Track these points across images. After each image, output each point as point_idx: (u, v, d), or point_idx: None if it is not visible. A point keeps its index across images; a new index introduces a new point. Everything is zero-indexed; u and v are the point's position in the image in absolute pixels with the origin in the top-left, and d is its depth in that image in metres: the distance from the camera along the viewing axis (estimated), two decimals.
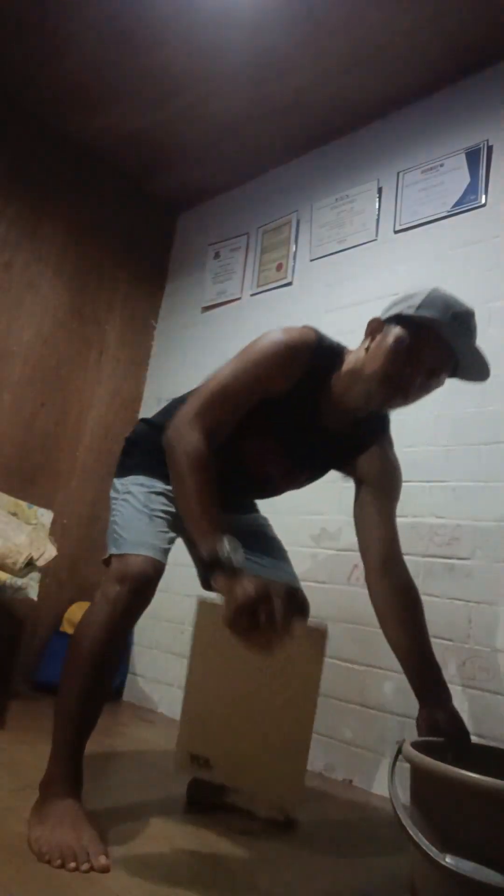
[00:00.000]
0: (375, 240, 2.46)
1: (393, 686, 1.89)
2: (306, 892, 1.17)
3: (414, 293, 1.30)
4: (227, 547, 1.10)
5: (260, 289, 2.86)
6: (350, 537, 2.14)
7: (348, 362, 1.37)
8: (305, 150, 2.84)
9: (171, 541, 1.43)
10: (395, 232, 2.40)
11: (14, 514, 2.43)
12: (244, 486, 1.51)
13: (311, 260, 2.68)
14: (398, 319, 1.30)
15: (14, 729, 1.96)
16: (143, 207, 3.34)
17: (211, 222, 3.25)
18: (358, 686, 1.98)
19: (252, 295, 2.89)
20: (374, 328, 1.33)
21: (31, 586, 2.16)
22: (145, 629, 2.74)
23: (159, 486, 1.44)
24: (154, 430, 1.48)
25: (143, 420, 1.62)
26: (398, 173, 2.44)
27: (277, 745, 1.22)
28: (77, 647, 1.29)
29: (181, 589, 2.65)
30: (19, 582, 2.11)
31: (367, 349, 1.33)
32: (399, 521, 1.52)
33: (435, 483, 1.99)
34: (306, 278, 2.68)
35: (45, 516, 2.54)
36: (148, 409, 3.09)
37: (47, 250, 2.93)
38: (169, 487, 1.40)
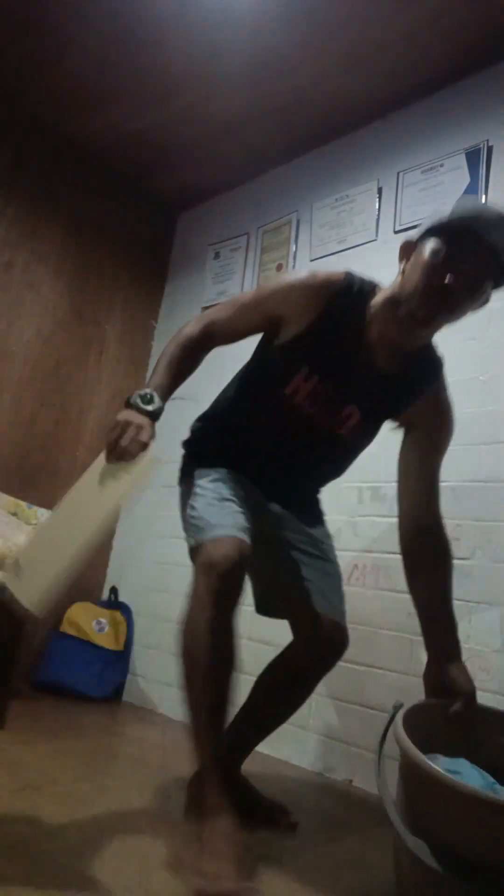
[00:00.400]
0: (375, 240, 2.46)
1: (393, 686, 1.89)
2: (306, 891, 1.17)
3: (442, 210, 1.26)
4: (146, 395, 1.24)
5: None
6: (350, 537, 2.15)
7: (384, 292, 1.33)
8: (305, 150, 2.84)
9: (250, 519, 1.33)
10: (396, 232, 2.40)
11: (14, 514, 2.42)
12: (298, 445, 1.42)
13: (312, 260, 2.68)
14: (431, 232, 1.25)
15: (14, 729, 1.96)
16: (143, 208, 3.34)
17: (211, 222, 3.25)
18: (358, 686, 1.98)
19: None
20: (408, 249, 1.29)
21: None
22: (145, 629, 2.74)
23: (223, 471, 1.40)
24: (204, 421, 1.51)
25: (198, 419, 1.58)
26: (398, 173, 2.44)
27: (52, 553, 1.18)
28: (186, 656, 1.21)
29: (181, 589, 2.65)
30: None
31: (402, 272, 1.29)
32: None
33: None
34: None
35: (45, 516, 2.54)
36: None
37: (47, 250, 2.93)
38: (230, 475, 1.39)
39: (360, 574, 2.08)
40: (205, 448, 1.48)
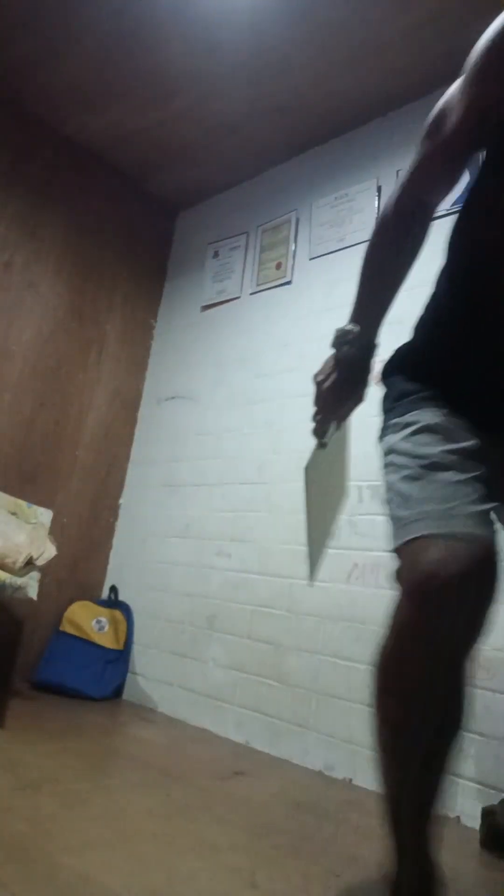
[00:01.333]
0: None
1: None
2: (306, 889, 1.17)
3: None
4: (341, 333, 1.06)
5: (259, 287, 2.86)
6: (349, 536, 2.15)
7: None
8: (305, 148, 2.84)
9: (482, 484, 0.88)
10: None
11: (14, 514, 2.43)
12: None
13: (311, 259, 2.68)
14: None
15: (14, 729, 1.97)
16: (143, 207, 3.34)
17: (210, 221, 3.25)
18: (358, 685, 1.98)
19: (251, 294, 2.89)
20: None
21: (31, 586, 2.16)
22: (145, 628, 2.74)
23: (428, 415, 0.94)
24: (407, 344, 1.08)
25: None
26: (398, 171, 2.43)
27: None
28: (380, 713, 0.88)
29: (181, 588, 2.65)
30: (19, 581, 2.11)
31: None
32: None
33: None
34: (306, 277, 2.68)
35: (45, 516, 2.54)
36: (148, 409, 3.09)
37: (47, 250, 2.93)
38: (442, 416, 0.93)
39: (360, 573, 2.08)
40: (400, 384, 1.02)
